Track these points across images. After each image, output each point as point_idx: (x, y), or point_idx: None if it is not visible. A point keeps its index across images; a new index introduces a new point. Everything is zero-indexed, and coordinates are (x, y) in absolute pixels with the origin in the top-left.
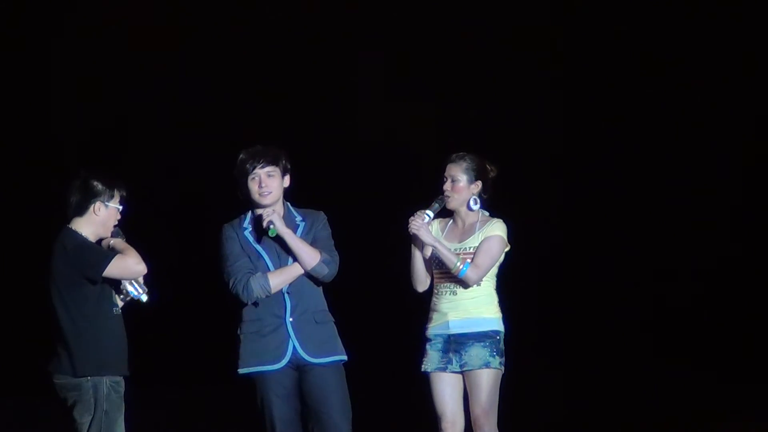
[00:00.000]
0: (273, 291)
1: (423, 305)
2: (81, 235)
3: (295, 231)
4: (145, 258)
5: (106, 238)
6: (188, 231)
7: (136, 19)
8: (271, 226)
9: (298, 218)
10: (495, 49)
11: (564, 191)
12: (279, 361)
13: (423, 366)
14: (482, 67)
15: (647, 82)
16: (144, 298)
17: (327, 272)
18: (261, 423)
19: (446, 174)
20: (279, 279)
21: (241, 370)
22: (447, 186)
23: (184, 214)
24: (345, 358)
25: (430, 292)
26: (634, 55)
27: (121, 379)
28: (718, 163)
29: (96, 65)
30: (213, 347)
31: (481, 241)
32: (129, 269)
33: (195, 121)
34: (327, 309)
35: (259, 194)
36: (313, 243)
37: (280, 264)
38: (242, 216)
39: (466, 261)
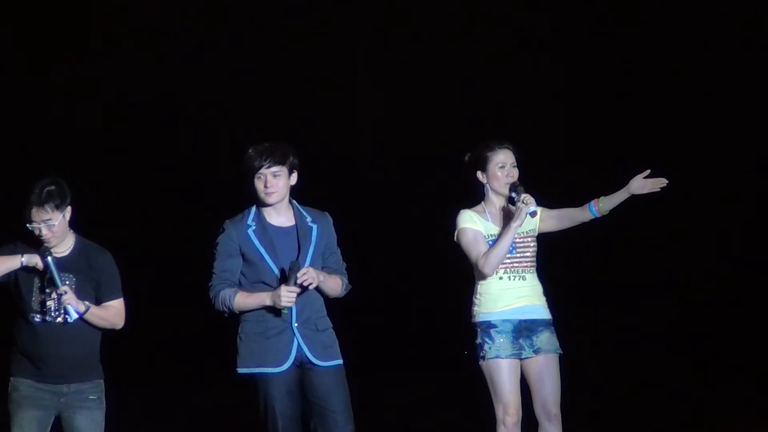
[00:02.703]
0: (235, 311)
1: (420, 305)
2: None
3: (309, 235)
4: (144, 257)
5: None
6: (188, 227)
7: (136, 18)
8: (284, 310)
9: (309, 219)
10: (496, 50)
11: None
12: (282, 363)
13: (491, 353)
14: (483, 68)
15: (648, 86)
16: (70, 315)
17: (345, 293)
18: (263, 422)
19: (502, 161)
20: (244, 303)
21: (241, 370)
22: (514, 173)
23: (184, 210)
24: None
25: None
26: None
27: (24, 380)
28: (720, 163)
29: (96, 64)
30: (212, 346)
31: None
32: None
33: (196, 119)
34: (326, 315)
35: (265, 194)
36: (325, 250)
37: (283, 266)
38: (246, 211)
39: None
